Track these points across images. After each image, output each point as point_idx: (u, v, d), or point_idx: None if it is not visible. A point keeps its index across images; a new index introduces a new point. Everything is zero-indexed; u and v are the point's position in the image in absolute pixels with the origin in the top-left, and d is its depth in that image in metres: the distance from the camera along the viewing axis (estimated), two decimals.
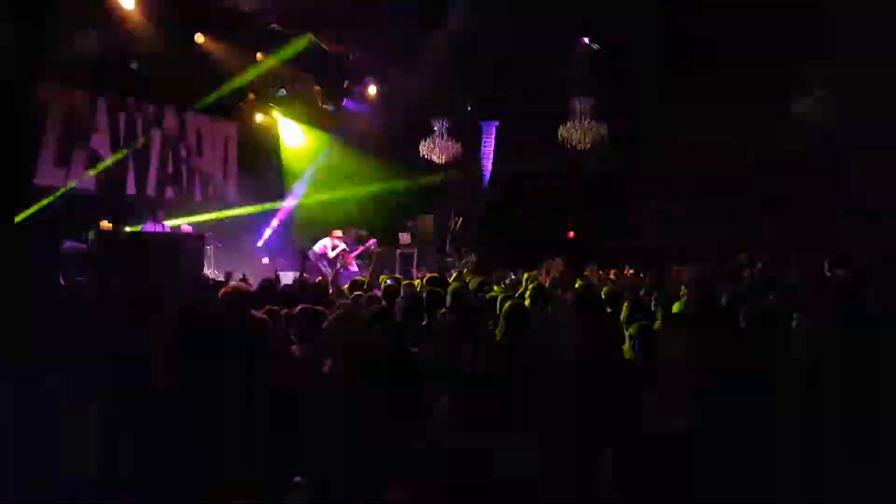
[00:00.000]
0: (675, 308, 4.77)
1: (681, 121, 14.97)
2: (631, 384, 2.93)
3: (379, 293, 6.62)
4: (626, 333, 3.89)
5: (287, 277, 10.88)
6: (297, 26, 10.97)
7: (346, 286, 7.75)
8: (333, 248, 13.18)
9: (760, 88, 13.26)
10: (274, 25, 10.92)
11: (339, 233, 13.50)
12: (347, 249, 13.30)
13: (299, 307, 4.50)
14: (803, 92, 12.12)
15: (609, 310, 4.36)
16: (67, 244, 10.39)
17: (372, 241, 13.90)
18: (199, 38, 11.66)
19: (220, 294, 4.62)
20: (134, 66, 11.70)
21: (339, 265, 12.78)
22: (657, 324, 3.50)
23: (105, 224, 10.36)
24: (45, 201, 10.71)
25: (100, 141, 12.29)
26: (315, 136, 15.98)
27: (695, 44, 12.65)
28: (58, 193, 11.02)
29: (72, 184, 11.45)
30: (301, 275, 8.80)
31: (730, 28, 11.82)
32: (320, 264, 12.98)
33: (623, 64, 13.77)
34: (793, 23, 11.34)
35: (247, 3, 7.51)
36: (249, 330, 4.15)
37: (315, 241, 13.39)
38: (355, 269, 13.04)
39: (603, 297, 5.01)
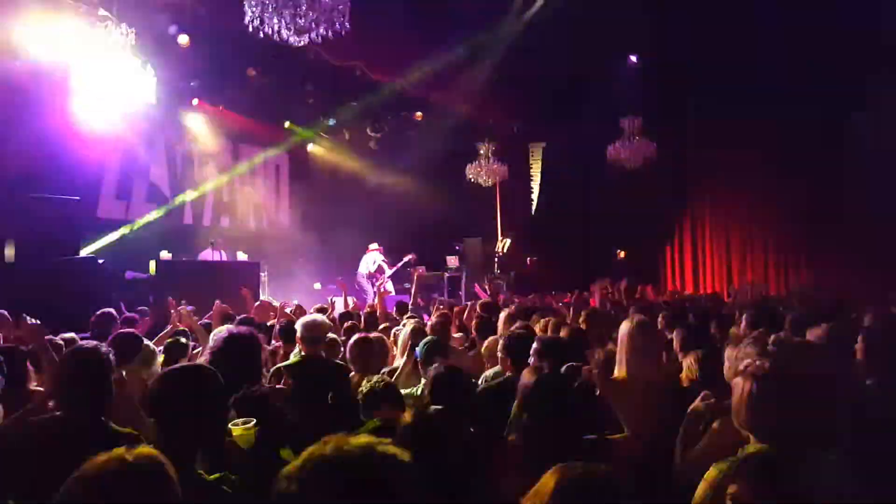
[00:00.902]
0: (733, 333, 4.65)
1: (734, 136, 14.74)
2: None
3: (429, 319, 6.64)
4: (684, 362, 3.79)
5: (340, 304, 10.97)
6: (345, 58, 11.20)
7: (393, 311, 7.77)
8: (374, 264, 13.43)
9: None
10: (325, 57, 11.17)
11: (374, 245, 13.72)
12: (387, 264, 13.54)
13: (356, 336, 4.56)
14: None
15: (670, 337, 4.25)
16: (130, 274, 10.76)
17: (411, 255, 13.92)
18: (251, 72, 12.02)
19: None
20: (195, 102, 12.13)
21: (380, 284, 12.80)
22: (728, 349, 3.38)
23: (165, 254, 10.68)
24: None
25: (158, 174, 12.73)
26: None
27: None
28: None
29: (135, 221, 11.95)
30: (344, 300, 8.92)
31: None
32: (366, 285, 13.13)
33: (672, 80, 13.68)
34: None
35: (297, 39, 7.70)
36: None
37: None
38: (392, 291, 12.99)
39: (661, 321, 4.92)
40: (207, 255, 11.61)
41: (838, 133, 12.55)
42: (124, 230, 11.67)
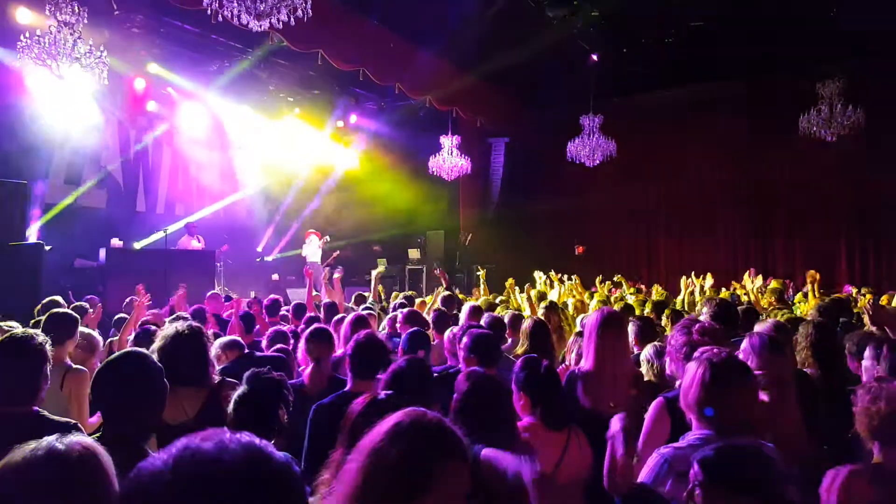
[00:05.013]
0: None
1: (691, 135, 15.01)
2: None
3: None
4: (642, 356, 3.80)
5: (297, 295, 10.81)
6: (307, 44, 10.97)
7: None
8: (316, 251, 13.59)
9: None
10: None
11: (312, 231, 13.95)
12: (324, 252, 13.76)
13: (313, 326, 4.46)
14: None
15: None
16: (79, 261, 10.43)
17: (376, 247, 14.26)
18: None
19: None
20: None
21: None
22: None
23: (116, 241, 10.37)
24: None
25: (110, 157, 12.32)
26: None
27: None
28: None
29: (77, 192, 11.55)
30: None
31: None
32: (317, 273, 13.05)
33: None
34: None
35: (258, 23, 7.49)
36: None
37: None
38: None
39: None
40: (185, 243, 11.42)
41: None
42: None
